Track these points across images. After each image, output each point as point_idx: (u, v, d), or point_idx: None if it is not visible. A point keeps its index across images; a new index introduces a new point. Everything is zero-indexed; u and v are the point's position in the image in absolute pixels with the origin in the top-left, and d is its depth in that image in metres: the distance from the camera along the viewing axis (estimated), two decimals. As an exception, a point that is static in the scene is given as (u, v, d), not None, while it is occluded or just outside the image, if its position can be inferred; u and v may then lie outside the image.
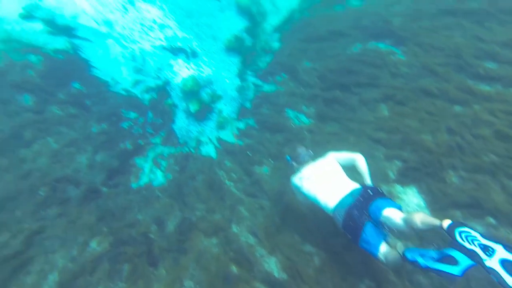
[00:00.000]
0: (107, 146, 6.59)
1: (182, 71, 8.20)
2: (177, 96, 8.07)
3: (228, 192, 5.82)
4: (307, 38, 7.36)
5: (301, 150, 4.35)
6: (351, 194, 3.63)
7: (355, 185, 3.81)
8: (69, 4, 8.07)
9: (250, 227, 5.13)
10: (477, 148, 4.56)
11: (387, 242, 3.45)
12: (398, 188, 4.75)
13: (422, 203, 4.53)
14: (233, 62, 8.36)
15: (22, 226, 5.16)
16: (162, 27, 8.55)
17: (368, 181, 3.97)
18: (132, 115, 7.34)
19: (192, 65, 8.32)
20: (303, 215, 4.84)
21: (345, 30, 6.90)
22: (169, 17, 8.62)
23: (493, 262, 2.53)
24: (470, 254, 2.61)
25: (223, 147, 6.79)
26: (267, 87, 7.21)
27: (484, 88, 5.13)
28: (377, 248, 3.33)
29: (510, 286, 2.39)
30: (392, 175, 4.91)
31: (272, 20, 8.40)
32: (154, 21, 8.55)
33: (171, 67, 8.27)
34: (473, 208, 4.18)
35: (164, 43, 8.41)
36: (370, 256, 3.45)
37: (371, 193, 3.56)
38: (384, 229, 3.43)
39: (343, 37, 6.90)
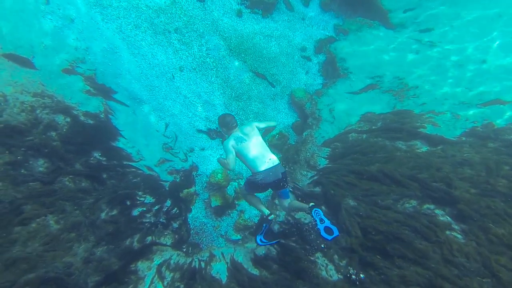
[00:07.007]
0: (112, 239, 5.87)
1: (213, 159, 7.49)
2: (201, 184, 7.35)
3: None
4: (358, 170, 6.58)
5: (229, 118, 5.33)
6: (275, 171, 5.10)
7: (275, 158, 5.24)
8: (116, 61, 7.48)
9: None
10: None
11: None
12: None
13: None
14: (271, 162, 7.65)
15: None
16: (205, 104, 7.92)
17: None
18: (148, 199, 6.61)
19: (226, 155, 7.62)
20: None
21: (401, 178, 6.11)
22: (216, 95, 7.97)
23: (321, 226, 4.64)
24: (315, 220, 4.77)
25: (236, 271, 6.01)
26: (301, 214, 6.44)
27: None
28: (252, 194, 5.57)
29: (325, 236, 4.54)
30: None
31: (325, 131, 7.66)
32: (199, 96, 7.91)
33: (203, 151, 7.58)
34: None
35: (203, 124, 7.74)
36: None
37: (283, 182, 5.19)
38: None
39: (397, 186, 6.12)
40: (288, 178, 5.43)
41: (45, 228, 5.53)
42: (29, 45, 6.79)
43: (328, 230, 4.68)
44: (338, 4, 9.70)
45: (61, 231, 5.60)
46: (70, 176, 6.16)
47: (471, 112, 7.05)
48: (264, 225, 5.73)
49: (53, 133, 6.28)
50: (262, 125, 5.58)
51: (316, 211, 4.92)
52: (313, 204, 5.09)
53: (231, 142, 5.23)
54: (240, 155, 5.26)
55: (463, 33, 8.23)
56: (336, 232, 4.64)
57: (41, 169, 5.95)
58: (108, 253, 5.78)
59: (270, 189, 5.53)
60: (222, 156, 5.43)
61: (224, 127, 5.41)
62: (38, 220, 5.54)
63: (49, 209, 5.71)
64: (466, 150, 6.47)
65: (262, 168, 5.10)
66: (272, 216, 5.51)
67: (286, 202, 5.54)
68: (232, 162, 5.17)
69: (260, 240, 5.67)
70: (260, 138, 5.35)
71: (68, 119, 6.50)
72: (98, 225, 5.92)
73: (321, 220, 4.77)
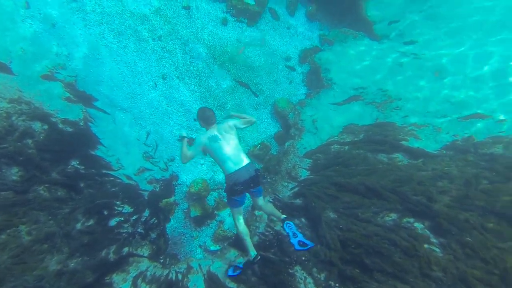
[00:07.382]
0: (87, 250, 5.71)
1: (194, 169, 7.39)
2: (180, 193, 7.25)
3: None
4: (340, 182, 6.54)
5: (210, 113, 5.21)
6: (247, 169, 5.01)
7: (247, 159, 5.14)
8: (98, 67, 7.37)
9: None
10: None
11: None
12: None
13: None
14: (253, 171, 7.60)
15: None
16: (187, 113, 7.83)
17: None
18: (126, 209, 6.48)
19: (207, 164, 7.52)
20: None
21: (382, 191, 6.09)
22: (199, 104, 7.90)
23: (295, 240, 4.79)
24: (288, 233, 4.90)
25: (213, 284, 5.90)
26: (280, 226, 6.37)
27: None
28: (238, 206, 5.31)
29: (300, 249, 4.71)
30: None
31: (307, 142, 7.61)
32: (182, 104, 7.83)
33: (184, 160, 7.49)
34: None
35: (184, 132, 7.64)
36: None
37: (257, 179, 5.07)
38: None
39: (378, 199, 6.09)
40: (261, 176, 5.42)
41: (16, 240, 5.35)
42: (7, 50, 6.64)
43: (302, 244, 4.77)
44: (323, 14, 9.73)
45: (33, 242, 5.43)
46: (46, 185, 6.00)
47: (452, 126, 7.07)
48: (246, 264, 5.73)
49: (29, 141, 6.13)
50: (242, 125, 5.45)
51: (288, 224, 5.04)
52: (285, 217, 5.20)
53: (203, 139, 5.16)
54: (213, 154, 5.19)
55: (446, 44, 8.29)
56: (310, 244, 4.76)
57: (14, 177, 5.79)
58: (82, 265, 5.62)
59: (247, 194, 5.43)
60: (191, 148, 5.29)
61: (202, 121, 5.31)
62: (9, 231, 5.36)
63: (22, 219, 5.53)
64: (446, 164, 6.47)
65: (236, 168, 5.04)
66: (259, 257, 5.32)
67: (259, 201, 5.50)
68: (190, 156, 5.15)
69: (234, 269, 5.84)
70: (235, 139, 5.28)
71: (46, 127, 6.36)
72: (73, 236, 5.77)
73: (294, 234, 4.89)
